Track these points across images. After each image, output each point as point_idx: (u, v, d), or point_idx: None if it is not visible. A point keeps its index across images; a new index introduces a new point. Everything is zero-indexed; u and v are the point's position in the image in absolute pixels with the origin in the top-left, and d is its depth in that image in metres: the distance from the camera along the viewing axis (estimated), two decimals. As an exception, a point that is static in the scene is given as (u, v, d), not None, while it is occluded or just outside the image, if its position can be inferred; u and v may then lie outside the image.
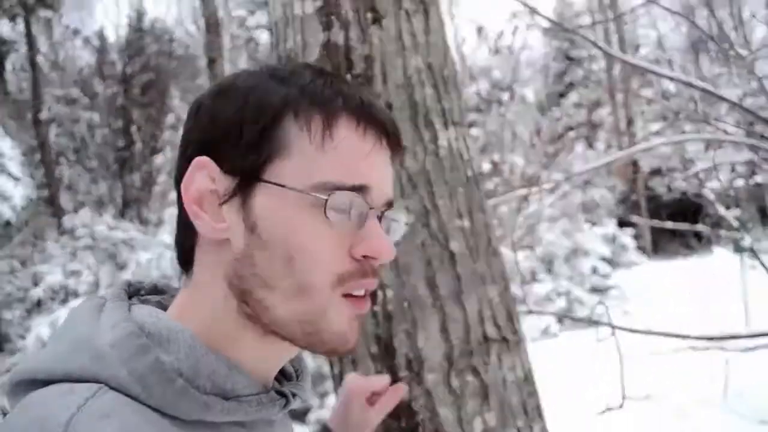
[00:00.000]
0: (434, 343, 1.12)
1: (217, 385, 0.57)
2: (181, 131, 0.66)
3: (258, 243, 0.59)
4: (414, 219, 1.16)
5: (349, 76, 1.21)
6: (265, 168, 0.58)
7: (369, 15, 1.22)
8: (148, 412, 0.53)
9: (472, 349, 1.14)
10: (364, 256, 0.60)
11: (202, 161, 0.59)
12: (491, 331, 1.17)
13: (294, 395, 0.66)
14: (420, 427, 1.11)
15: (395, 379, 1.13)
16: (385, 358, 1.14)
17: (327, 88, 0.60)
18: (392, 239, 0.65)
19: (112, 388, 0.53)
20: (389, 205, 0.64)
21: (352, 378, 1.02)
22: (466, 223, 1.20)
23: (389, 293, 1.14)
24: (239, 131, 0.59)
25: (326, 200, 0.57)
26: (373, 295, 0.69)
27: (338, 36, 1.23)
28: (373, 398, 1.00)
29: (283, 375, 0.70)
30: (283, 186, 0.58)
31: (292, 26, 1.29)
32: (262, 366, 0.64)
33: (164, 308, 0.65)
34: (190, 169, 0.60)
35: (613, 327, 1.50)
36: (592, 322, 1.62)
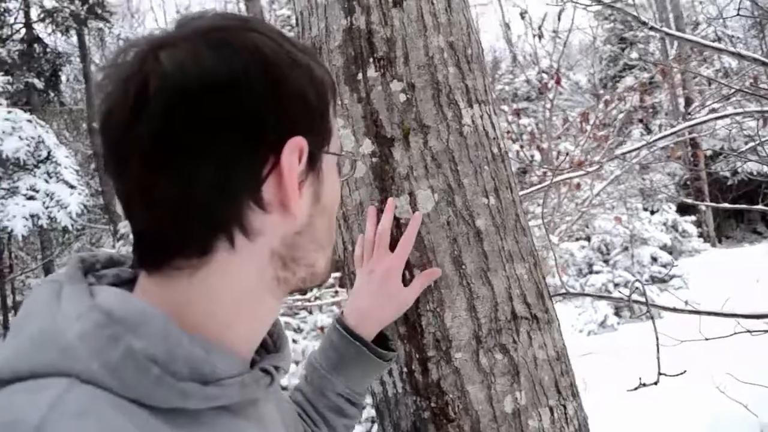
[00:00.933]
0: (461, 321, 1.12)
1: (195, 370, 0.55)
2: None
3: (319, 210, 0.64)
4: (439, 198, 1.16)
5: (371, 60, 1.22)
6: (330, 141, 0.66)
7: (389, -2, 1.23)
8: (125, 404, 0.50)
9: (500, 327, 1.13)
10: None
11: (300, 142, 0.60)
12: (520, 308, 1.15)
13: (277, 369, 0.65)
14: (449, 406, 1.11)
15: (424, 358, 1.13)
16: (414, 337, 1.14)
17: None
18: None
19: (84, 381, 0.50)
20: None
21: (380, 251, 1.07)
22: (493, 200, 1.19)
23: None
24: (321, 110, 0.63)
25: (355, 161, 0.70)
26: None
27: (360, 20, 1.23)
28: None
29: (261, 346, 0.69)
30: (338, 155, 0.68)
31: (315, 14, 1.30)
32: (257, 335, 0.65)
33: (123, 281, 0.62)
34: (290, 149, 0.59)
35: (649, 306, 1.46)
36: (628, 301, 1.57)
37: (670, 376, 1.36)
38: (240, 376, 0.58)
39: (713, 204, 4.52)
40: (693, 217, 14.44)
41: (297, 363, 5.74)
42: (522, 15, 5.78)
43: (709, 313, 1.67)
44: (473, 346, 1.11)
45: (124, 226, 13.48)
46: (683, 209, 14.39)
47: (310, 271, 0.65)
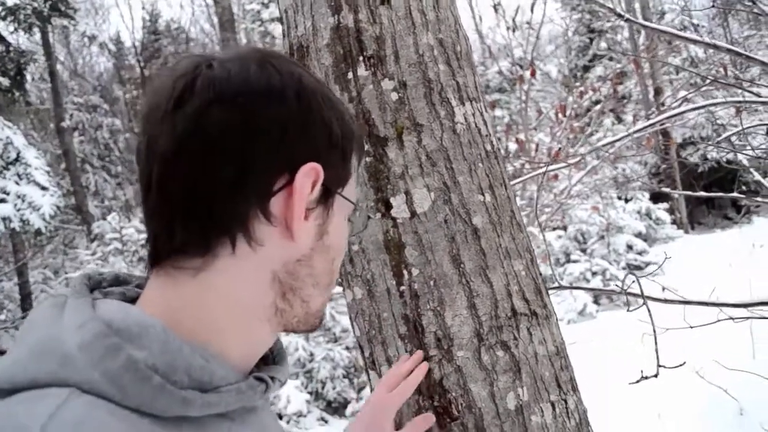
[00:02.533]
0: (462, 320, 1.12)
1: (194, 379, 0.56)
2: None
3: (321, 247, 0.66)
4: (435, 197, 1.15)
5: (361, 58, 1.20)
6: (346, 184, 0.68)
7: (377, -5, 1.21)
8: (126, 414, 0.51)
9: (501, 324, 1.13)
10: None
11: (317, 169, 0.62)
12: (519, 305, 1.16)
13: (273, 379, 0.66)
14: (452, 404, 1.11)
15: (425, 358, 1.13)
16: (414, 337, 1.14)
17: (360, 132, 0.76)
18: None
19: (84, 391, 0.50)
20: None
21: (381, 392, 1.07)
22: (488, 198, 1.18)
23: (414, 272, 1.14)
24: (343, 150, 0.66)
25: (368, 217, 0.71)
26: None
27: (348, 18, 1.22)
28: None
29: (260, 359, 0.70)
30: (353, 203, 0.70)
31: (301, 12, 1.28)
32: (255, 353, 0.66)
33: (128, 299, 0.63)
34: (305, 172, 0.61)
35: (644, 297, 1.47)
36: (623, 293, 1.59)
37: (670, 368, 1.38)
38: (236, 384, 0.60)
39: (687, 192, 4.60)
40: (666, 205, 14.69)
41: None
42: (495, 7, 5.80)
43: (698, 303, 1.70)
44: (475, 344, 1.11)
45: (98, 227, 13.28)
46: (656, 197, 14.63)
47: (305, 310, 0.67)
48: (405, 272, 1.15)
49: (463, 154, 1.18)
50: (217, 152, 0.58)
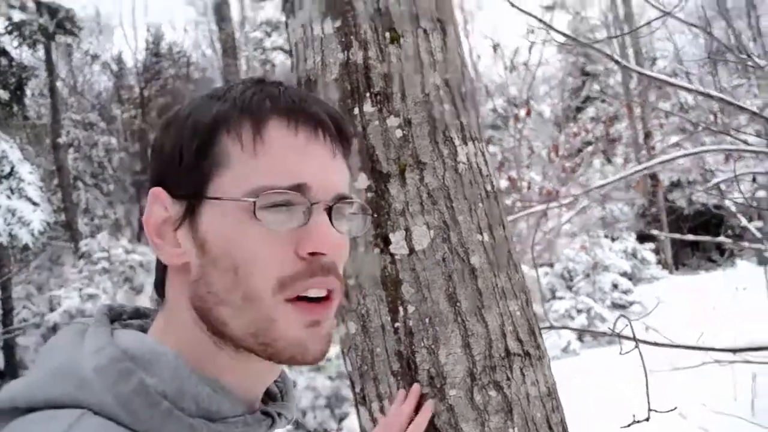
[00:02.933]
0: (456, 359, 1.12)
1: (202, 408, 0.57)
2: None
3: (209, 260, 0.60)
4: (434, 235, 1.16)
5: (368, 95, 1.23)
6: (207, 186, 0.60)
7: (387, 34, 1.24)
8: None
9: (494, 364, 1.14)
10: (311, 254, 0.59)
11: (155, 192, 0.62)
12: (513, 345, 1.16)
13: (280, 415, 0.66)
14: (443, 443, 1.11)
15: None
16: (407, 374, 1.14)
17: (256, 96, 0.61)
18: (352, 233, 0.66)
19: (96, 413, 0.52)
20: (341, 198, 0.63)
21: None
22: (487, 237, 1.20)
23: (410, 309, 1.15)
24: (179, 155, 0.61)
25: (254, 203, 0.57)
26: (328, 298, 0.60)
27: (357, 55, 1.25)
28: None
29: (267, 395, 0.70)
30: (219, 198, 0.59)
31: (311, 47, 1.31)
32: (246, 385, 0.64)
33: (145, 332, 0.65)
34: (147, 201, 0.63)
35: (637, 341, 1.49)
36: (615, 335, 1.60)
37: (661, 412, 1.39)
38: (243, 416, 0.60)
39: (674, 234, 4.66)
40: (652, 245, 14.81)
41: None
42: (494, 48, 5.91)
43: (688, 347, 1.72)
44: (468, 383, 1.12)
45: (86, 245, 13.14)
46: (642, 237, 14.75)
47: (229, 333, 0.59)
48: (401, 309, 1.15)
49: (464, 194, 1.20)
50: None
